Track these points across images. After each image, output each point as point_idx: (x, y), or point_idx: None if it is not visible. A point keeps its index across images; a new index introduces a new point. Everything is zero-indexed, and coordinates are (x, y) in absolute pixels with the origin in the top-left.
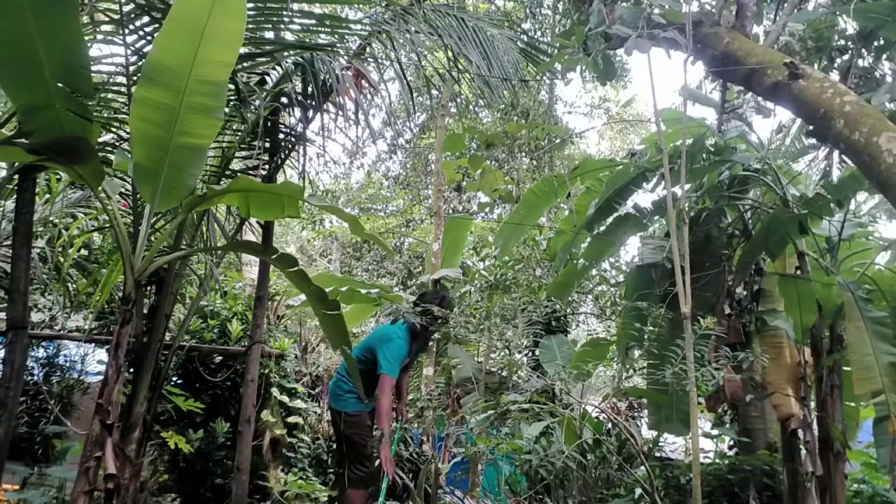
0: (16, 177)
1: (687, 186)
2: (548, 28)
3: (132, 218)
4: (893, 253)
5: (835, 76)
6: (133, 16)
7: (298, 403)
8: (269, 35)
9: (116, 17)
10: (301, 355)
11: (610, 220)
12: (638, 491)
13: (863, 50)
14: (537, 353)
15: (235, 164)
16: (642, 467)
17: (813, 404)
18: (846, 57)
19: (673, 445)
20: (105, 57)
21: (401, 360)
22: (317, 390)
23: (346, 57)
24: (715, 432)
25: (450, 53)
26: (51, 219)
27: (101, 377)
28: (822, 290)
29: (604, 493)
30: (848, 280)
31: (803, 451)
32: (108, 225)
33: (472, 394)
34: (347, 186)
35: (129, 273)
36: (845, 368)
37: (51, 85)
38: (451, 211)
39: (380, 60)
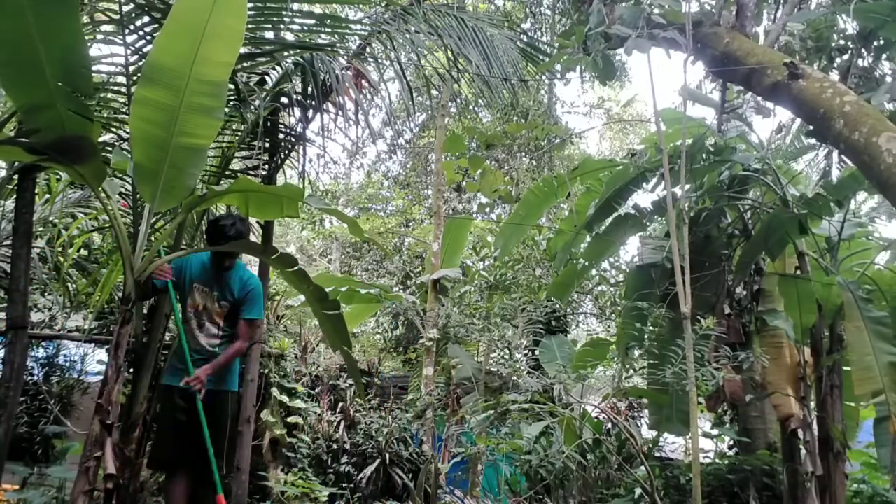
0: (16, 177)
1: (687, 186)
2: (548, 28)
3: (132, 218)
4: (893, 253)
5: (835, 76)
6: (133, 16)
7: (298, 403)
8: (269, 35)
9: (116, 17)
10: (301, 355)
11: (610, 220)
12: (638, 491)
13: (863, 50)
14: (537, 353)
15: (235, 164)
16: (642, 467)
17: (813, 404)
18: (846, 57)
19: (673, 445)
20: (105, 57)
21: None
22: (317, 390)
23: (346, 57)
24: (715, 432)
25: (450, 53)
26: (51, 219)
27: (101, 377)
28: (822, 290)
29: (604, 493)
30: (848, 280)
31: (803, 451)
32: (108, 225)
33: (472, 394)
34: (347, 186)
35: (129, 273)
36: (845, 368)
37: (51, 85)
38: (450, 211)
39: (380, 60)
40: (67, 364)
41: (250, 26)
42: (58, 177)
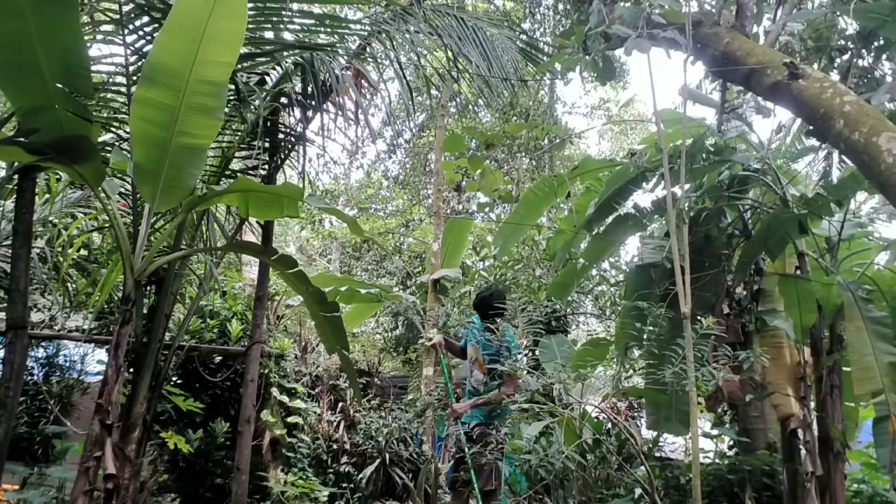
0: (16, 177)
1: (687, 186)
2: (547, 28)
3: (132, 218)
4: (893, 253)
5: (835, 76)
6: (133, 16)
7: (298, 403)
8: (269, 35)
9: (116, 17)
10: (301, 355)
11: (610, 219)
12: (638, 491)
13: (863, 50)
14: (537, 352)
15: (235, 164)
16: (642, 467)
17: (813, 404)
18: (846, 57)
19: (673, 445)
20: (105, 57)
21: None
22: (317, 390)
23: (345, 57)
24: (715, 432)
25: (449, 53)
26: (51, 219)
27: (101, 377)
28: (822, 290)
29: (604, 493)
30: (848, 280)
31: (803, 451)
32: (107, 225)
33: None
34: (347, 186)
35: (128, 273)
36: (845, 368)
37: (50, 86)
38: (450, 211)
39: (379, 60)
40: (67, 364)
41: (250, 26)
42: (58, 177)
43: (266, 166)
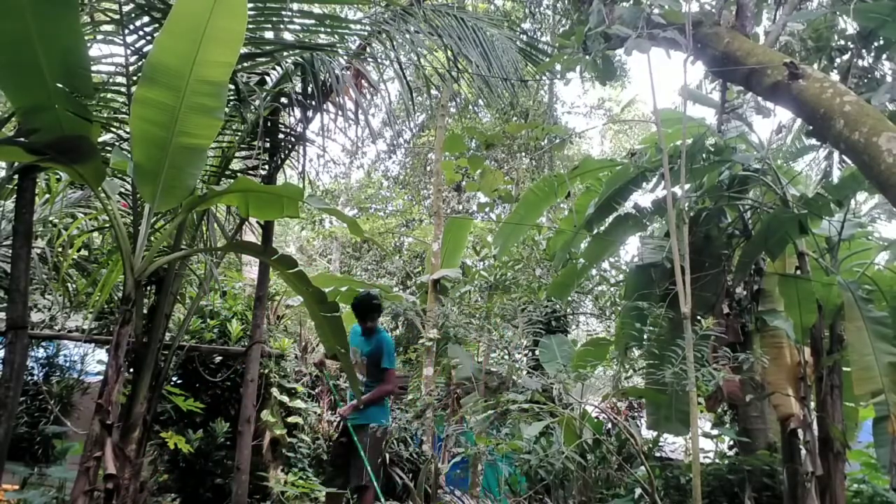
0: (16, 177)
1: (687, 186)
2: (547, 28)
3: (132, 218)
4: (893, 253)
5: (835, 76)
6: (133, 16)
7: (298, 403)
8: (269, 35)
9: (116, 17)
10: (301, 355)
11: (610, 219)
12: (638, 491)
13: (863, 50)
14: (537, 353)
15: (235, 164)
16: (642, 467)
17: (813, 404)
18: (846, 57)
19: (673, 445)
20: (105, 57)
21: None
22: (317, 390)
23: (346, 57)
24: (715, 432)
25: (449, 53)
26: (51, 219)
27: (101, 377)
28: (822, 290)
29: (604, 493)
30: (848, 280)
31: (803, 451)
32: (108, 225)
33: (472, 394)
34: (347, 186)
35: (129, 273)
36: (845, 368)
37: (51, 86)
38: (450, 211)
39: (379, 60)
40: (67, 364)
41: (250, 26)
42: (58, 177)
43: (266, 166)
